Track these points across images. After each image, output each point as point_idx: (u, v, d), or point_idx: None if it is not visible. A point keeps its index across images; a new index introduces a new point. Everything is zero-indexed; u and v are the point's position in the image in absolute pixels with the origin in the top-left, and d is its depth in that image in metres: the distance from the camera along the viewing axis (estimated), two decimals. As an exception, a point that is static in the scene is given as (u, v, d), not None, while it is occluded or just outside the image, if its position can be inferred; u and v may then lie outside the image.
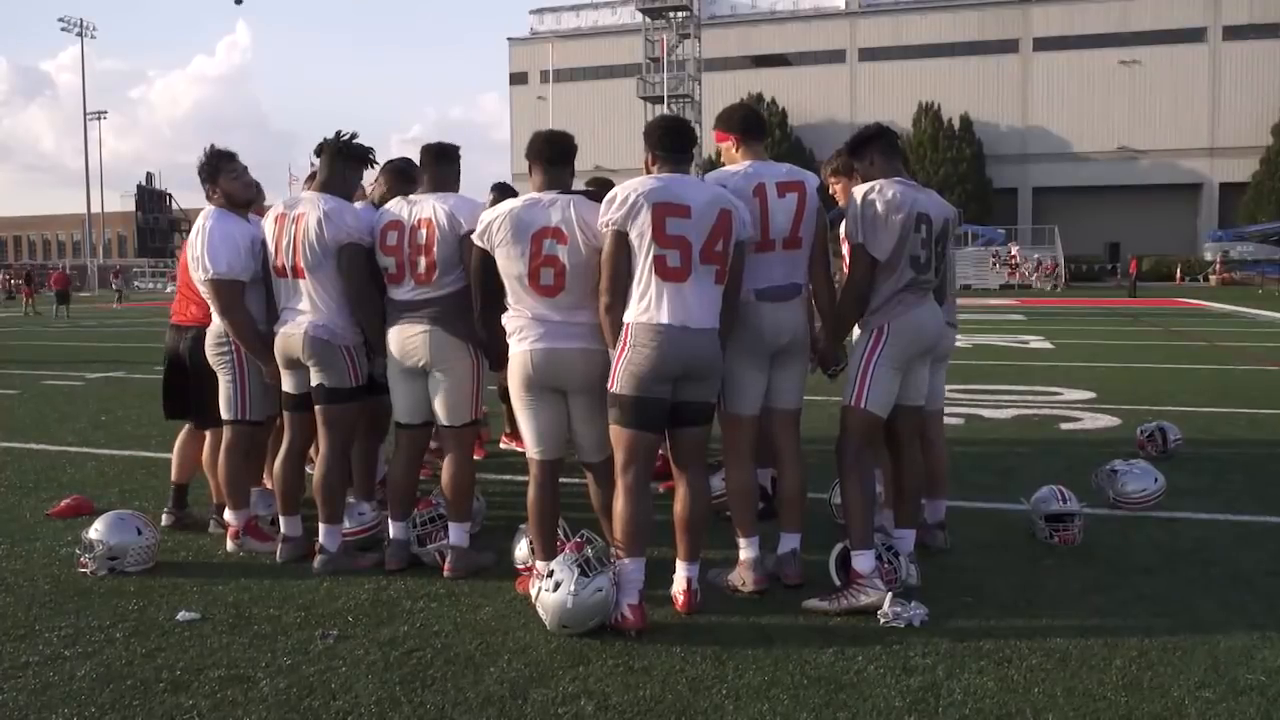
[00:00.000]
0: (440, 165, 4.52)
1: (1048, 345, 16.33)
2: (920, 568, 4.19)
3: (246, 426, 4.82)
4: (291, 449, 4.65)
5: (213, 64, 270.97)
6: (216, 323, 4.78)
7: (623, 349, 3.72)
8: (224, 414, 4.84)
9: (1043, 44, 59.54)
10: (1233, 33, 56.73)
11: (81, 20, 60.55)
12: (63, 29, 60.80)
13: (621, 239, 3.71)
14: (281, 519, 4.65)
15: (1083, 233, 57.06)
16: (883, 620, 3.71)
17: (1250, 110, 55.71)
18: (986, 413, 8.86)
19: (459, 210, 4.32)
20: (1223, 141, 57.14)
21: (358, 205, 4.63)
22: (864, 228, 4.01)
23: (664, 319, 3.67)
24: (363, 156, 4.64)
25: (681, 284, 3.70)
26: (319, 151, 4.56)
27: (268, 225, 4.57)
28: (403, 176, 4.74)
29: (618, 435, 3.78)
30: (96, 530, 4.43)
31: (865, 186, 4.10)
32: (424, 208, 4.35)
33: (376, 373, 4.59)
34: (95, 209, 65.97)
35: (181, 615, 3.86)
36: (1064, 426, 8.24)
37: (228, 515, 4.84)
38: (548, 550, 3.98)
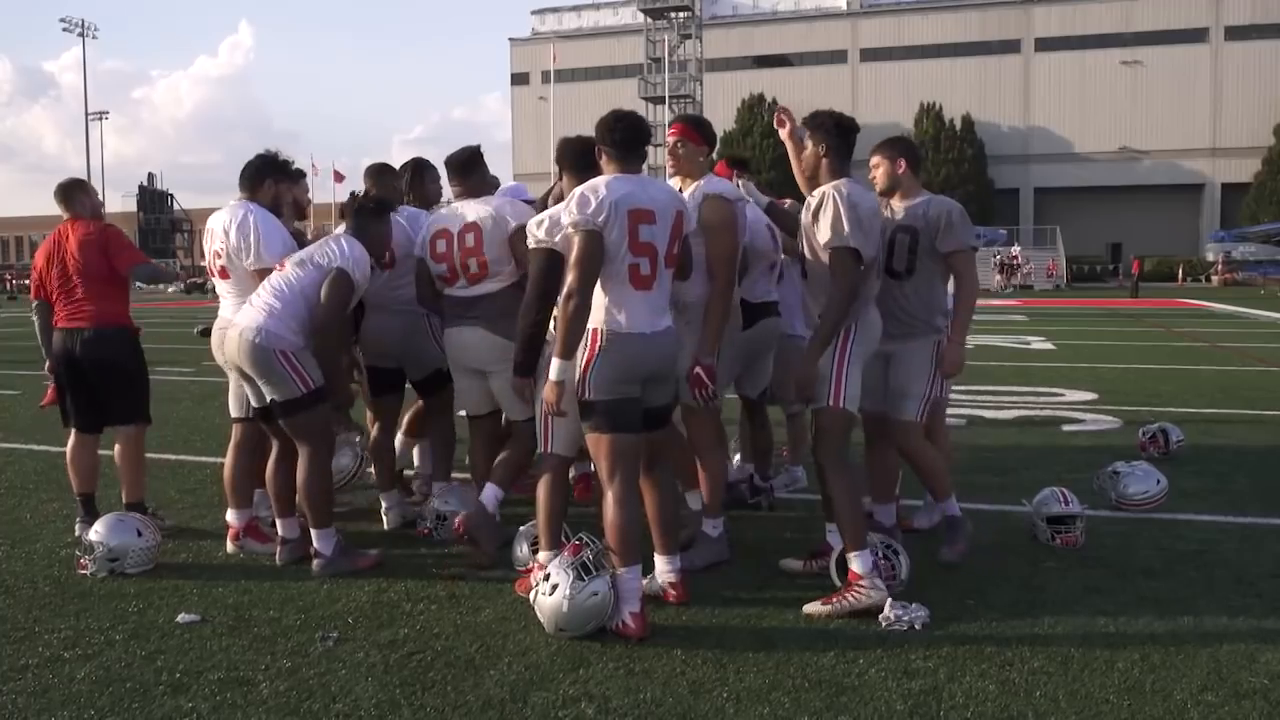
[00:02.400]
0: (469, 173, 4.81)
1: (1049, 346, 16.31)
2: (922, 570, 4.18)
3: (255, 425, 4.82)
4: (282, 450, 4.62)
5: (215, 64, 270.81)
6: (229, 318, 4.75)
7: (591, 355, 3.68)
8: (233, 412, 4.86)
9: (1045, 44, 59.47)
10: (1235, 33, 56.64)
11: (83, 21, 60.61)
12: (64, 29, 60.95)
13: (598, 240, 3.62)
14: (278, 522, 4.64)
15: (1084, 233, 57.03)
16: (884, 623, 3.70)
17: (1252, 110, 55.61)
18: (988, 414, 8.85)
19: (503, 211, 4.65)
20: (1225, 142, 57.07)
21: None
22: (853, 229, 3.88)
23: (634, 327, 3.70)
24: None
25: (649, 291, 3.75)
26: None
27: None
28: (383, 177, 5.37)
29: (598, 443, 3.75)
30: (97, 532, 4.43)
31: (844, 188, 3.95)
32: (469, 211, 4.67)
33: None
34: (97, 209, 65.98)
35: (181, 617, 3.85)
36: (1066, 428, 8.23)
37: (230, 516, 4.83)
38: (554, 540, 4.00)
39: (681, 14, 58.82)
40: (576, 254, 3.65)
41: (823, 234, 3.93)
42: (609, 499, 3.76)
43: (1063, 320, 23.55)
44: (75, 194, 5.13)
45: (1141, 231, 57.39)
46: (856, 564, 3.87)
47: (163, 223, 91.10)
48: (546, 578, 3.60)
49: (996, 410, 9.06)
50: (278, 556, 4.59)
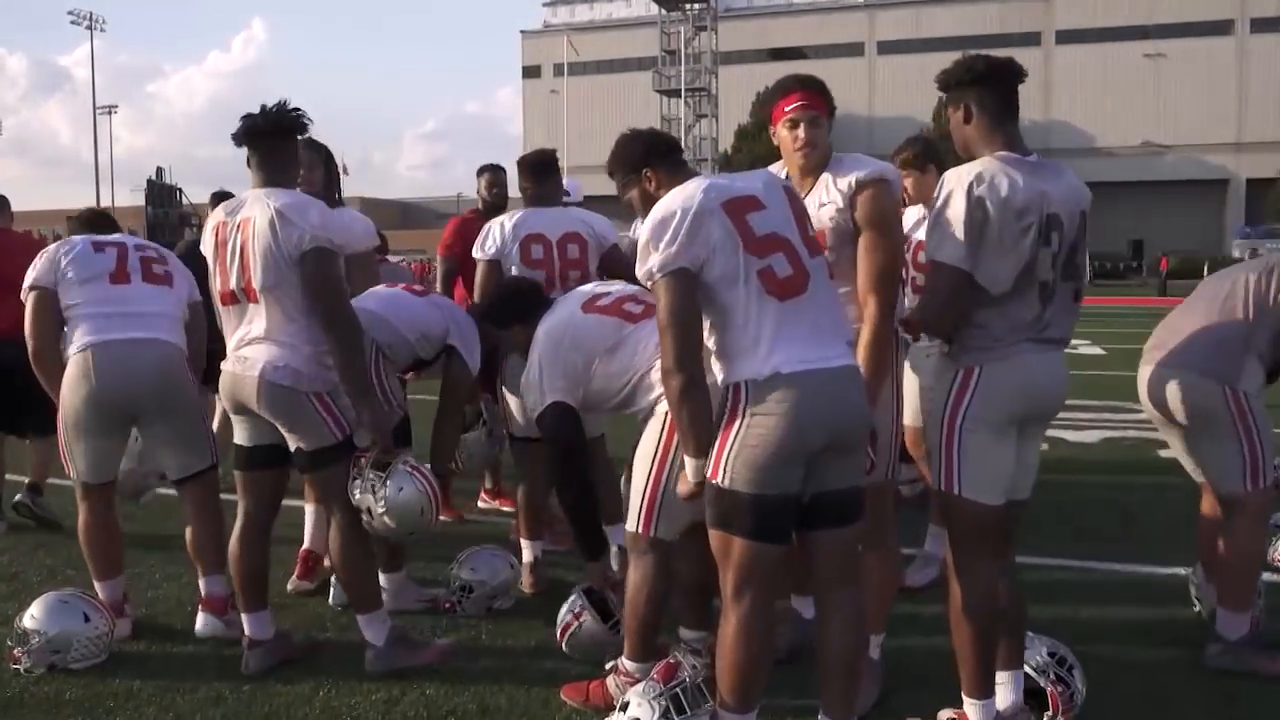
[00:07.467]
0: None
1: (1098, 351, 15.34)
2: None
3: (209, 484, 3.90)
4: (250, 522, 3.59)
5: (228, 59, 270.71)
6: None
7: (732, 423, 2.53)
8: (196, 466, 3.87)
9: (1065, 37, 58.53)
10: (1261, 25, 55.64)
11: (91, 14, 59.83)
12: (73, 23, 60.15)
13: (688, 279, 2.56)
14: (245, 618, 3.55)
15: (1106, 230, 55.76)
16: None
17: (1278, 104, 54.57)
18: (1069, 435, 7.90)
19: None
20: (1250, 136, 56.06)
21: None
22: (971, 242, 2.70)
23: (797, 363, 2.51)
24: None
25: (801, 299, 2.60)
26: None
27: (207, 237, 3.54)
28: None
29: (727, 545, 2.58)
30: (33, 618, 3.50)
31: (966, 176, 2.73)
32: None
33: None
34: (106, 203, 65.43)
35: (130, 747, 2.94)
36: (1162, 453, 7.25)
37: (202, 585, 3.89)
38: (647, 649, 3.08)
39: (696, 6, 57.78)
40: (666, 309, 2.54)
41: (926, 240, 2.82)
42: (730, 622, 2.60)
43: (1098, 321, 22.53)
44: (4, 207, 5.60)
45: (1164, 228, 56.37)
46: (974, 714, 2.85)
47: (171, 217, 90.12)
48: (624, 707, 2.67)
49: (1077, 431, 8.10)
50: (245, 664, 3.50)
